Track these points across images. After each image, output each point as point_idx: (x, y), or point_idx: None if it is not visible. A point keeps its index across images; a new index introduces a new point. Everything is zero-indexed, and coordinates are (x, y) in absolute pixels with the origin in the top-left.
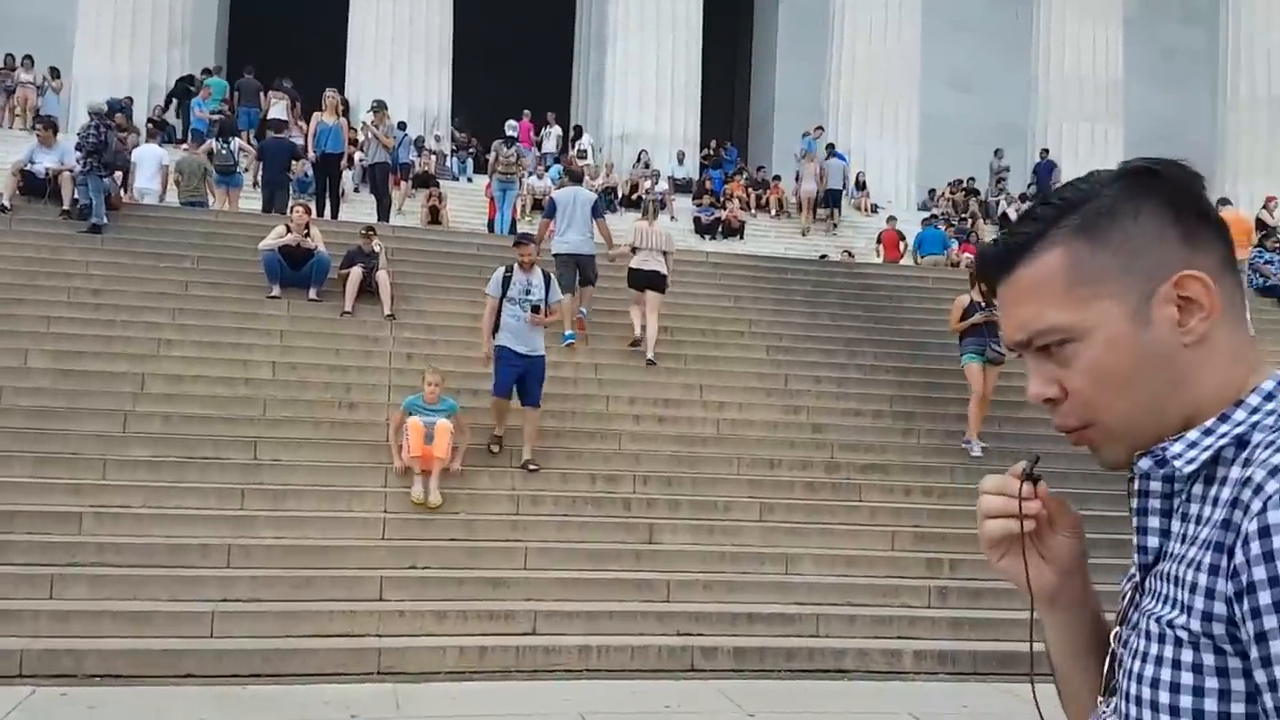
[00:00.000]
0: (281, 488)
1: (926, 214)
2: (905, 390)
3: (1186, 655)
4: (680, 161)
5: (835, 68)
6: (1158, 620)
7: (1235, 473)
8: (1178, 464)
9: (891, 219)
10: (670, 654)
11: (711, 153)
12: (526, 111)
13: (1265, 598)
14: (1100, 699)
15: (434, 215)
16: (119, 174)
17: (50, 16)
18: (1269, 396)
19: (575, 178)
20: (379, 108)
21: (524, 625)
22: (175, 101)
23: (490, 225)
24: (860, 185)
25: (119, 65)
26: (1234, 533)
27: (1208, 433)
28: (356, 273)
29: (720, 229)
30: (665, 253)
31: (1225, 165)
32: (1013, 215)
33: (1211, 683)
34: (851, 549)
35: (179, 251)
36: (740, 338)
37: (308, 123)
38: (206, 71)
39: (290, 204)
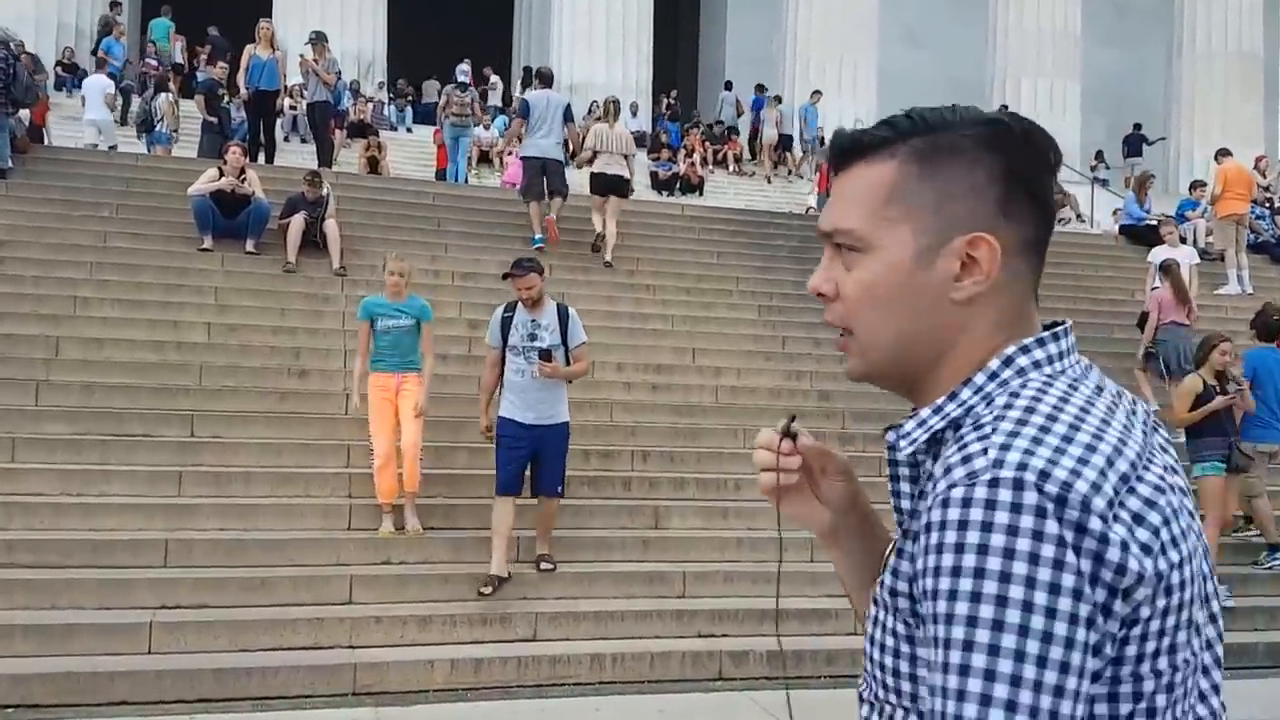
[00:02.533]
0: (225, 470)
1: None
2: None
3: (888, 620)
4: (634, 114)
5: (792, 22)
6: (880, 583)
7: (937, 461)
8: (902, 444)
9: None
10: (695, 660)
11: (668, 105)
12: (466, 60)
13: (927, 585)
14: None
15: (373, 166)
16: (25, 112)
17: None
18: (992, 376)
19: (546, 80)
20: (318, 40)
21: (523, 630)
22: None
23: (440, 174)
24: (821, 141)
25: (24, 4)
26: (918, 520)
27: (936, 410)
28: (299, 221)
29: (679, 185)
30: (627, 156)
31: (1180, 121)
32: None
33: (905, 648)
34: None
35: (95, 199)
36: (729, 296)
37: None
38: (116, 5)
39: (223, 145)
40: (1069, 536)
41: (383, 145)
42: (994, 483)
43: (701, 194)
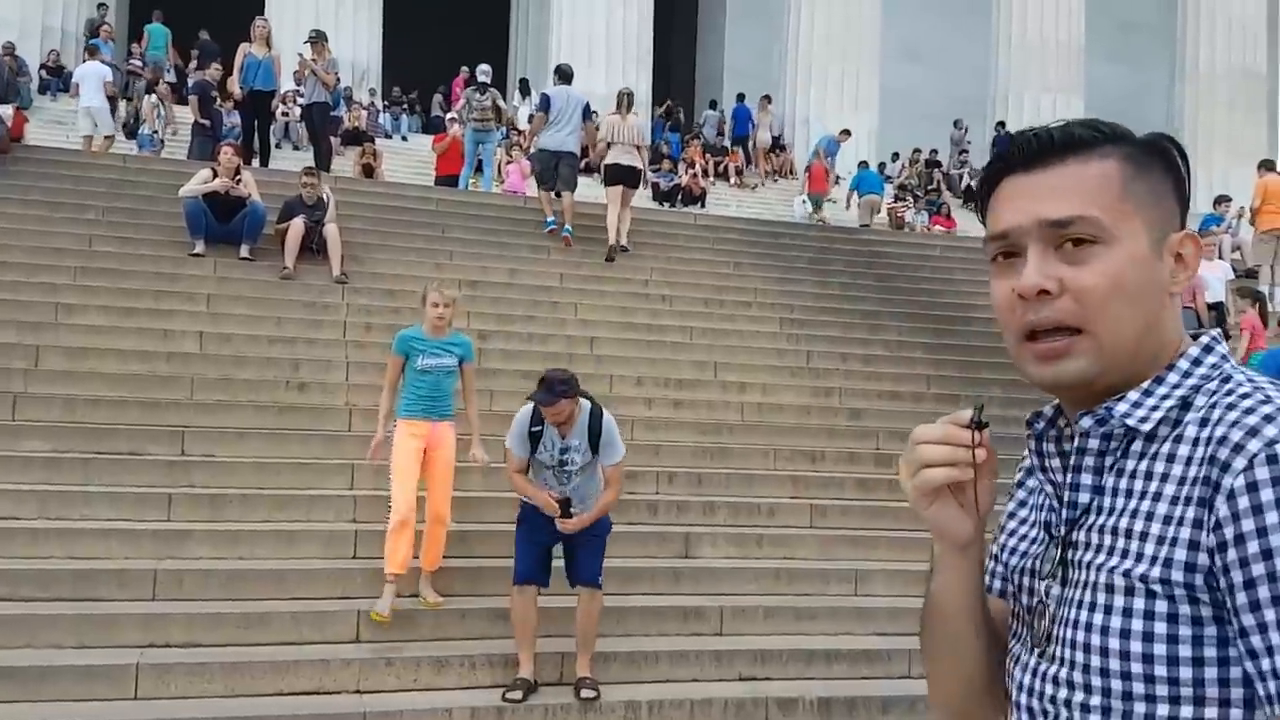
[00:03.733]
0: (219, 492)
1: (891, 185)
2: (941, 370)
3: (1160, 606)
4: None
5: (792, 34)
6: (1111, 571)
7: (1191, 432)
8: (1130, 422)
9: (817, 149)
10: (739, 709)
11: (670, 114)
12: (464, 68)
13: (1254, 547)
14: (1024, 651)
15: (367, 174)
16: (8, 109)
17: None
18: (1196, 361)
19: (566, 77)
20: (318, 38)
21: (549, 673)
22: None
23: (450, 179)
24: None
25: (7, 8)
26: (1213, 489)
27: (1147, 394)
28: (298, 225)
29: (680, 196)
30: (639, 147)
31: (1183, 140)
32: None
33: (1185, 630)
34: (928, 563)
35: (80, 200)
36: (748, 309)
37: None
38: (103, 6)
39: (214, 147)
40: None
41: (378, 153)
42: None
43: (703, 206)
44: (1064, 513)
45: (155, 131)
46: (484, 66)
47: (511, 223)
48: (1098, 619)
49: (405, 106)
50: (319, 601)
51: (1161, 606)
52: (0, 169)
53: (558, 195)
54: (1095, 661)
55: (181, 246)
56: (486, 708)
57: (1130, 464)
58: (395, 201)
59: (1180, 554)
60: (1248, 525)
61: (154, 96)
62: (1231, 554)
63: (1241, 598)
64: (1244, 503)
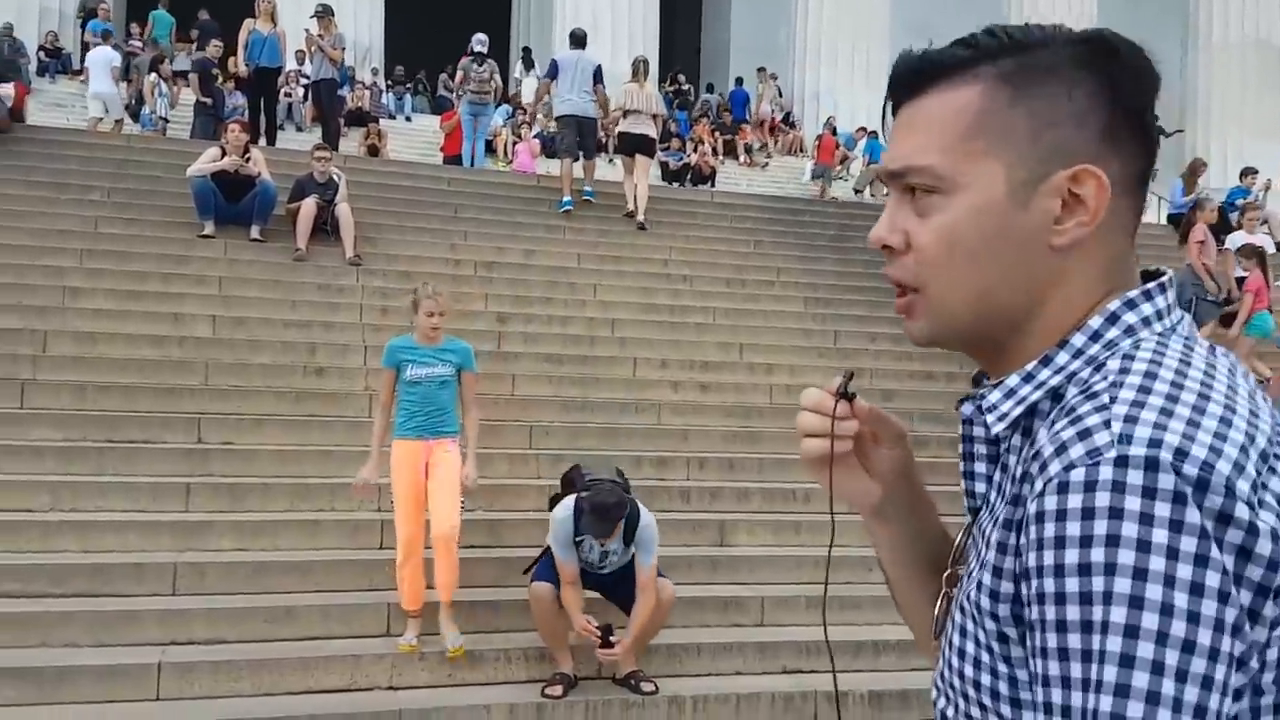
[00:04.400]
0: (238, 480)
1: None
2: None
3: (981, 632)
4: None
5: (801, 9)
6: (968, 580)
7: (1041, 435)
8: (989, 419)
9: (829, 121)
10: (786, 703)
11: (680, 92)
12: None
13: (1034, 586)
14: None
15: (372, 154)
16: (8, 88)
17: None
18: (1095, 336)
19: (579, 41)
20: (324, 13)
21: (589, 667)
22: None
23: (458, 159)
24: (833, 131)
25: None
26: (1022, 508)
27: (1028, 378)
28: (310, 205)
29: (690, 175)
30: (655, 115)
31: (1196, 114)
32: None
33: (1003, 668)
34: None
35: (85, 181)
36: (771, 288)
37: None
38: None
39: (217, 126)
40: (1210, 527)
41: (383, 133)
42: (1122, 461)
43: (714, 185)
44: (965, 501)
45: (155, 111)
46: (480, 36)
47: (525, 202)
48: (954, 634)
49: (409, 86)
50: (346, 594)
51: (983, 636)
52: (2, 149)
53: (575, 158)
54: (952, 680)
55: (190, 228)
56: (525, 705)
57: (1011, 459)
58: (406, 181)
59: (1002, 583)
60: (1031, 561)
61: (154, 76)
62: (1026, 588)
63: (1028, 641)
64: (1033, 533)
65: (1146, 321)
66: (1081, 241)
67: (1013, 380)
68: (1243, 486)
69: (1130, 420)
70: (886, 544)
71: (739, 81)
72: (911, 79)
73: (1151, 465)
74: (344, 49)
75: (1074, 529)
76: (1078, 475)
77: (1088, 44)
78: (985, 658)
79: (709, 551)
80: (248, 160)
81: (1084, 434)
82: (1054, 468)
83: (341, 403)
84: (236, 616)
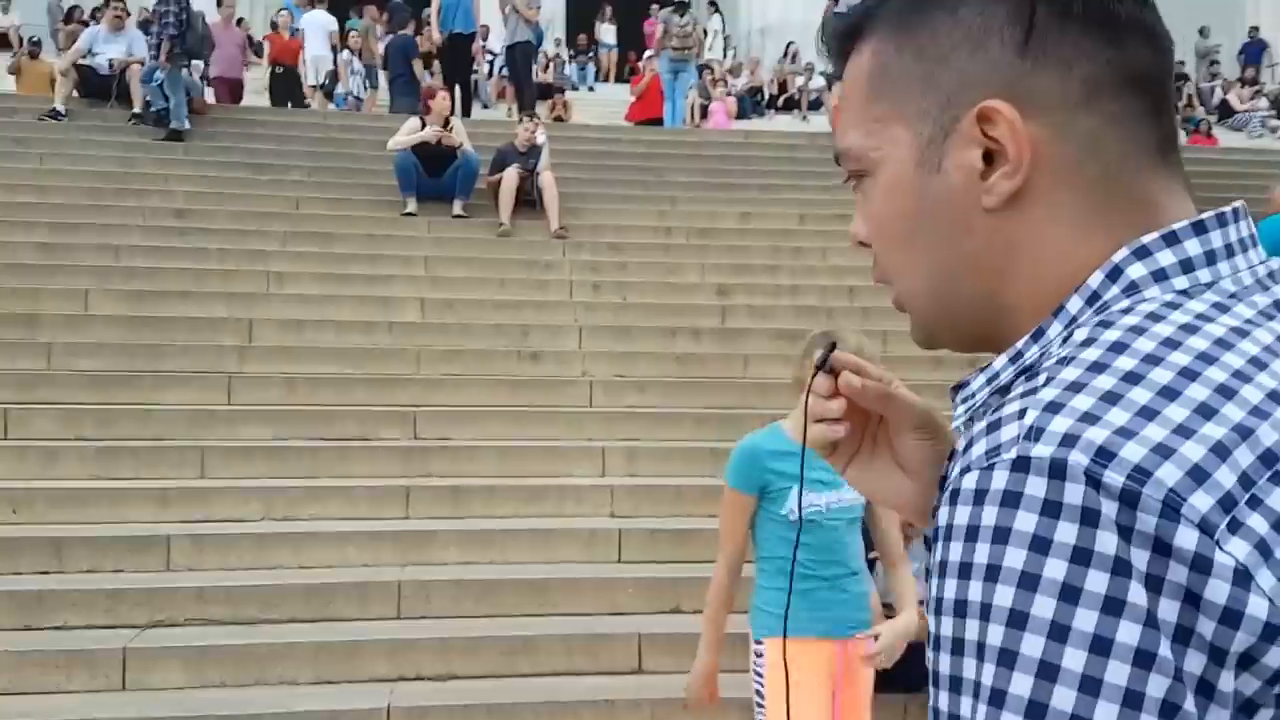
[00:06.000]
0: (460, 483)
1: None
2: None
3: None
4: None
5: None
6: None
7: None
8: (959, 410)
9: None
10: None
11: None
12: (655, 5)
13: (933, 588)
14: None
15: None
16: (199, 65)
17: None
18: (1092, 298)
19: None
20: None
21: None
22: None
23: (647, 125)
24: None
25: None
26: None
27: (1015, 357)
28: (512, 175)
29: None
30: None
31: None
32: (1235, 103)
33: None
34: None
35: (284, 161)
36: None
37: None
38: None
39: (421, 93)
40: (1139, 560)
41: (568, 104)
42: (1021, 465)
43: None
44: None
45: (351, 92)
46: None
47: (734, 160)
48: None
49: (591, 56)
50: (588, 619)
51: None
52: (199, 130)
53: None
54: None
55: (392, 206)
56: None
57: None
58: (601, 146)
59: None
60: (937, 556)
61: (345, 53)
62: None
63: None
64: (940, 519)
65: (1161, 275)
66: (1022, 195)
67: (999, 361)
68: (1199, 501)
69: (1052, 408)
70: None
71: None
72: (835, 45)
73: (1057, 471)
74: (539, 7)
75: (955, 554)
76: (969, 482)
77: None
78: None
79: None
80: (449, 130)
81: (993, 426)
82: (953, 472)
83: (560, 391)
84: (469, 647)
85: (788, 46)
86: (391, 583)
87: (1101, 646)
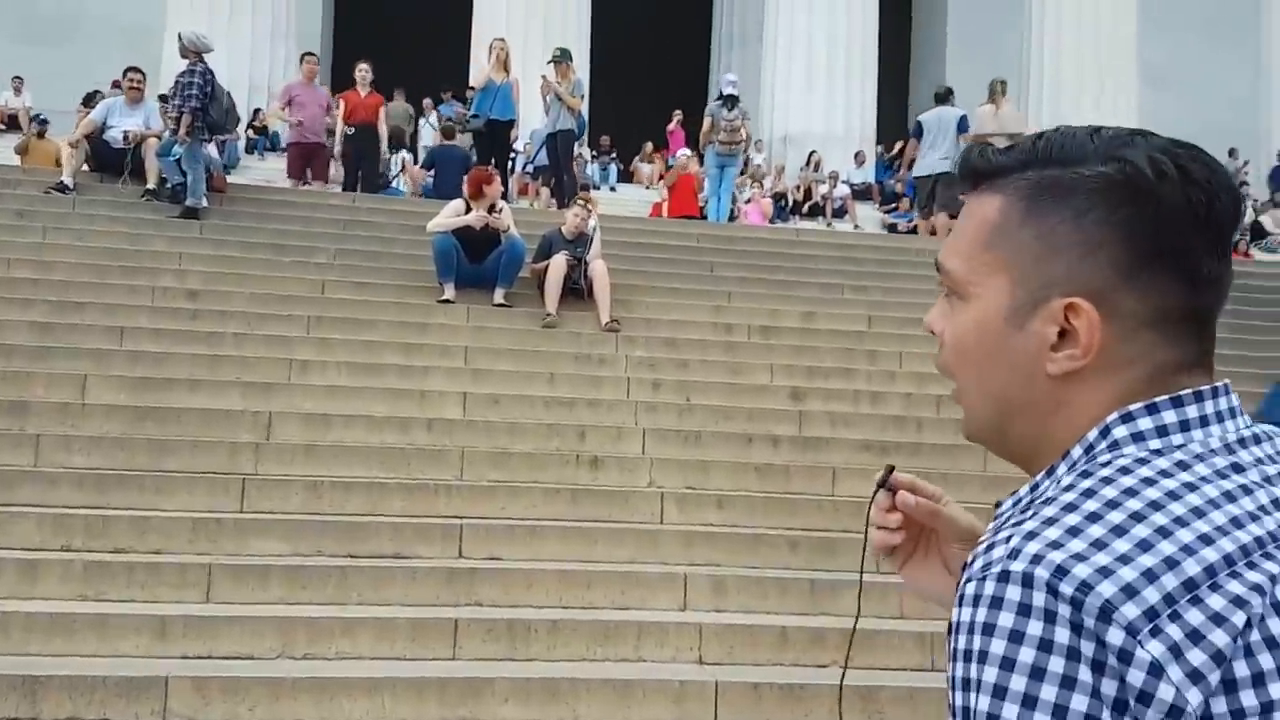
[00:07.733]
0: (515, 616)
1: None
2: None
3: None
4: (859, 164)
5: (1036, 50)
6: None
7: None
8: (991, 525)
9: None
10: None
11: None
12: (677, 113)
13: (948, 672)
14: None
15: None
16: (220, 142)
17: (139, 20)
18: (1088, 449)
19: (942, 99)
20: (562, 57)
21: None
22: None
23: (693, 218)
24: None
25: (215, 64)
26: None
27: (1033, 488)
28: (560, 263)
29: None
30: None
31: None
32: (1269, 225)
33: None
34: None
35: (308, 242)
36: None
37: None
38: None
39: (473, 171)
40: (1087, 649)
41: (593, 201)
42: (1003, 577)
43: None
44: None
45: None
46: (730, 76)
47: (788, 258)
48: None
49: (613, 157)
50: None
51: None
52: (218, 209)
53: (927, 216)
54: None
55: (427, 292)
56: None
57: None
58: (644, 238)
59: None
60: (948, 645)
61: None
62: None
63: None
64: (951, 616)
65: (1139, 436)
66: (1083, 374)
67: (1023, 489)
68: (1127, 611)
69: (1029, 536)
70: None
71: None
72: (968, 175)
73: (1027, 581)
74: (584, 96)
75: (961, 643)
76: (970, 589)
77: (1112, 164)
78: None
79: None
80: (495, 213)
81: (989, 547)
82: (979, 563)
83: (626, 504)
84: None
85: (810, 155)
86: None
87: (1060, 713)
